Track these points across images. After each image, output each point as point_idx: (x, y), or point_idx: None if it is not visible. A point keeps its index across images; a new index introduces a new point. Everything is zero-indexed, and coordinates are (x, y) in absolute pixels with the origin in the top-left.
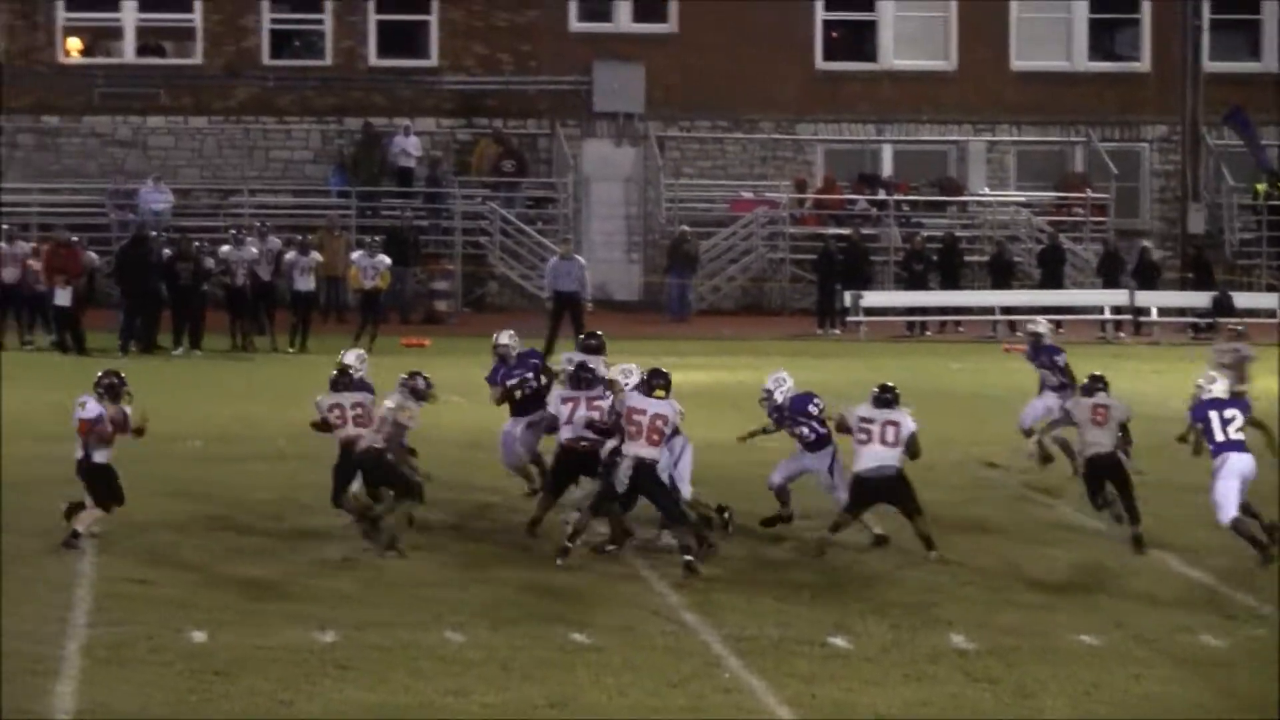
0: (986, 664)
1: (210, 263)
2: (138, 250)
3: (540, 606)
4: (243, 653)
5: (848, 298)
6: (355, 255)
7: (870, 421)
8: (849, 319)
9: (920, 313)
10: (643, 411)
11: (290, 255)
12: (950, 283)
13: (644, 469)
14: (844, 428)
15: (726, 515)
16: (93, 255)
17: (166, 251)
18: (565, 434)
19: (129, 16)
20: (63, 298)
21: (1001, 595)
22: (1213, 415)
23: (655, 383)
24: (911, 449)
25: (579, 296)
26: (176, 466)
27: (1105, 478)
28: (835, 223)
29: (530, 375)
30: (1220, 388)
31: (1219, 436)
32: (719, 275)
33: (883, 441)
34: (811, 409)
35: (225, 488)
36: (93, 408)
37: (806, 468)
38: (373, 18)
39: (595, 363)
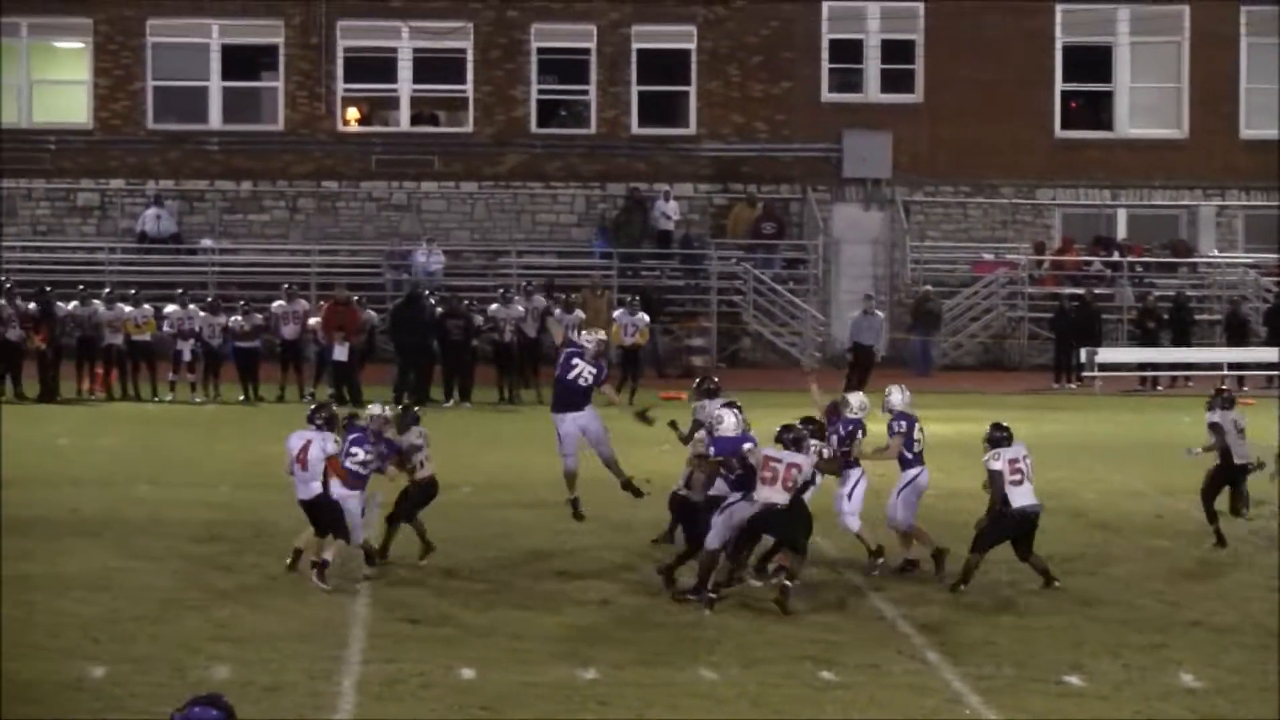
0: (1214, 702)
1: (479, 320)
2: (412, 308)
3: (790, 646)
4: (509, 689)
5: (1083, 354)
6: (617, 313)
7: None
8: (1084, 374)
9: (1152, 368)
10: (779, 461)
11: (556, 313)
12: (1181, 340)
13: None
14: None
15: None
16: (371, 314)
17: (438, 309)
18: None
19: (405, 88)
20: (341, 353)
21: (1229, 637)
22: None
23: (785, 436)
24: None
25: (873, 349)
26: (447, 512)
27: None
28: (1072, 283)
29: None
30: None
31: None
32: (961, 333)
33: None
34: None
35: (492, 533)
36: (330, 443)
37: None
38: (635, 88)
39: (713, 405)
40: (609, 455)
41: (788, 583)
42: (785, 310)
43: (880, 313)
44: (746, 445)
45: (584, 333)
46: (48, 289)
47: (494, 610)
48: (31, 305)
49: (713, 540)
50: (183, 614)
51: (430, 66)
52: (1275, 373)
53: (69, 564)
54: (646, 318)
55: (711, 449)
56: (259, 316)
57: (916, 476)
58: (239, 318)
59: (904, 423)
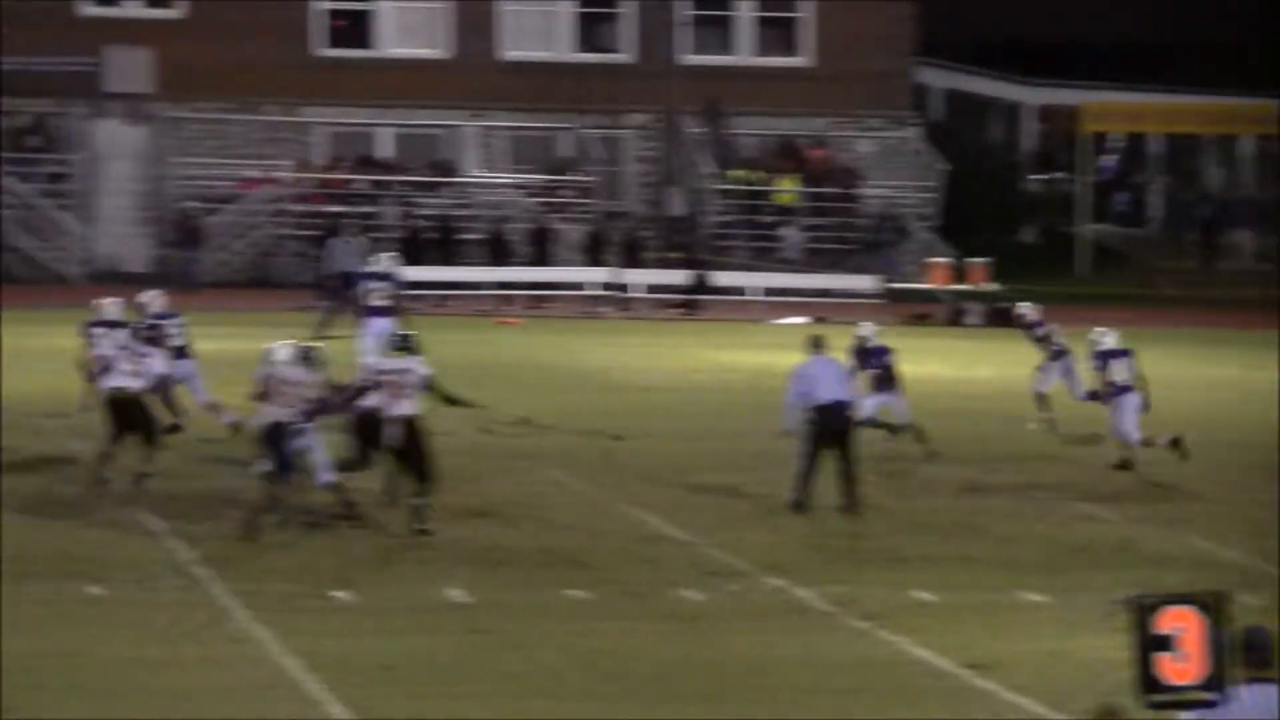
0: (484, 617)
1: None
2: None
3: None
4: None
5: None
6: None
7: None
8: None
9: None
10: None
11: None
12: (448, 259)
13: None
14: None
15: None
16: None
17: None
18: None
19: None
20: None
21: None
22: None
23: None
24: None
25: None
26: None
27: None
28: (338, 201)
29: None
30: None
31: None
32: (226, 249)
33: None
34: None
35: None
36: None
37: None
38: None
39: None
40: None
41: None
42: (50, 225)
43: (360, 237)
44: None
45: None
46: None
47: None
48: None
49: None
50: None
51: None
52: (539, 292)
53: None
54: None
55: None
56: None
57: None
58: None
59: None
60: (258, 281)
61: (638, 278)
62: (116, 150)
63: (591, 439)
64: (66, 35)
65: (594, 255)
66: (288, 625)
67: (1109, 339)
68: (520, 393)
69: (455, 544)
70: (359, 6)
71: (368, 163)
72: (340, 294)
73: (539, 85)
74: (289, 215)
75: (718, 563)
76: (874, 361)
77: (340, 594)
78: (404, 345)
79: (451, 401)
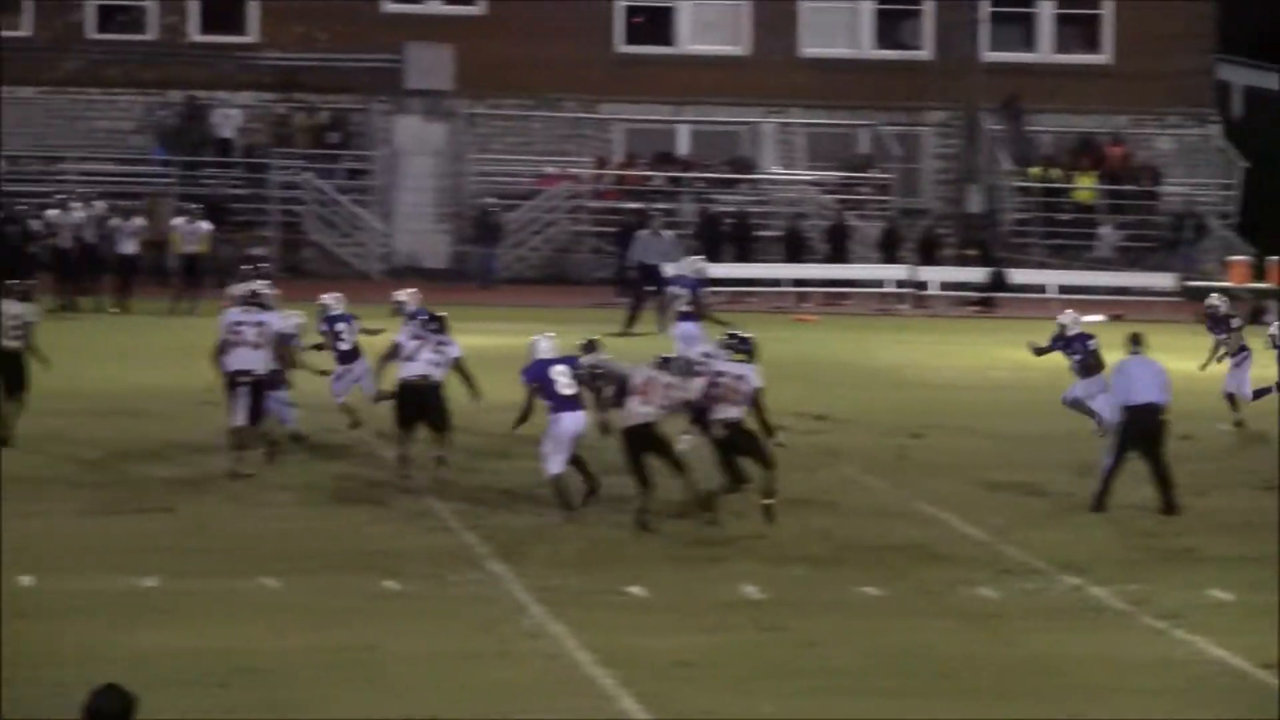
0: (778, 613)
1: (37, 225)
2: None
3: (353, 557)
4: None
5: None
6: (177, 221)
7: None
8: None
9: (715, 284)
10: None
11: (114, 221)
12: (743, 255)
13: None
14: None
15: None
16: None
17: None
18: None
19: None
20: None
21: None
22: None
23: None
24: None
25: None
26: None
27: None
28: (634, 198)
29: None
30: None
31: None
32: (523, 246)
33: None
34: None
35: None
36: None
37: None
38: None
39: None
40: None
41: None
42: (347, 221)
43: (668, 232)
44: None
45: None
46: None
47: None
48: None
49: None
50: None
51: None
52: (835, 289)
53: None
54: (206, 226)
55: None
56: None
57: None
58: None
59: None
60: (554, 278)
61: (935, 275)
62: (416, 146)
63: (887, 436)
64: (369, 32)
65: (891, 252)
66: (581, 620)
67: None
68: (816, 389)
69: (749, 540)
70: (659, 3)
71: (666, 159)
72: (642, 288)
73: (838, 82)
74: (587, 212)
75: (1013, 561)
76: (1077, 348)
77: (634, 589)
78: (743, 349)
79: (767, 429)
